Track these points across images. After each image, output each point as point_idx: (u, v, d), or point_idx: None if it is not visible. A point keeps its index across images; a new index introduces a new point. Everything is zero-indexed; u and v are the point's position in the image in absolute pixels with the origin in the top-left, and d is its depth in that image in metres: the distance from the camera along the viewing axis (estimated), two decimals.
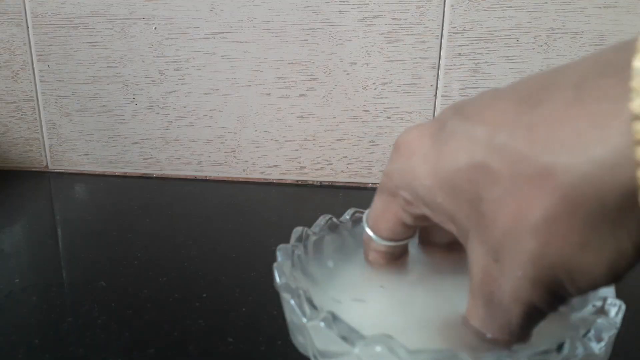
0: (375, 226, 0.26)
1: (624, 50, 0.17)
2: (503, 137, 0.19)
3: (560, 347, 0.21)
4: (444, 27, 0.51)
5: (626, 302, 0.24)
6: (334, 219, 0.31)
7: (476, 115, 0.20)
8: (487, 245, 0.20)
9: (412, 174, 0.22)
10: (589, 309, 0.25)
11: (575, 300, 0.27)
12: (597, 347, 0.21)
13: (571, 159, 0.17)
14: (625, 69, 0.16)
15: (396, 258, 0.27)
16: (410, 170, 0.22)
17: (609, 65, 0.17)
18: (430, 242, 0.28)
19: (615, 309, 0.23)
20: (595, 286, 0.19)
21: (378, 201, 0.26)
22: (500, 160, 0.19)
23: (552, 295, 0.20)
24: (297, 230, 0.29)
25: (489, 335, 0.22)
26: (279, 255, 0.27)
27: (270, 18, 0.51)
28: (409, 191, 0.23)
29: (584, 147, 0.17)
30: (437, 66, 0.52)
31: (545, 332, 0.25)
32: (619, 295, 0.25)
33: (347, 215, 0.32)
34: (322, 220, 0.31)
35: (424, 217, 0.23)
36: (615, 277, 0.18)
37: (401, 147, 0.23)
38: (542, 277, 0.19)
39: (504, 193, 0.19)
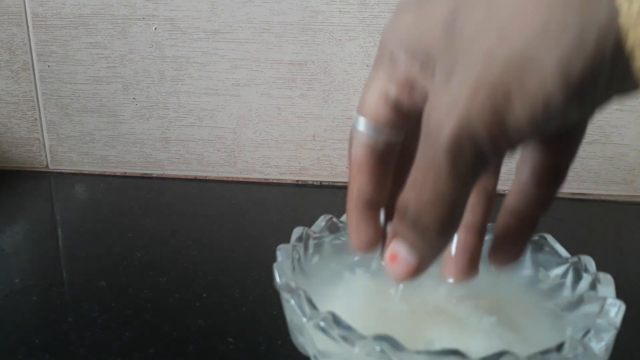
0: (360, 104, 0.24)
1: None
2: None
3: (560, 347, 0.21)
4: None
5: (626, 303, 0.24)
6: (334, 219, 0.31)
7: None
8: (447, 67, 0.19)
9: (400, 21, 0.22)
10: (588, 309, 0.25)
11: (574, 300, 0.27)
12: (597, 348, 0.21)
13: None
14: None
15: (380, 158, 0.24)
16: (400, 19, 0.22)
17: None
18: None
19: (615, 310, 0.23)
20: (545, 101, 0.17)
21: (368, 79, 0.25)
22: None
23: (493, 112, 0.17)
24: (297, 230, 0.29)
25: (413, 207, 0.20)
26: (279, 255, 0.27)
27: (270, 18, 0.51)
28: (393, 40, 0.22)
29: None
30: None
31: (546, 333, 0.25)
32: (619, 295, 0.25)
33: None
34: (322, 220, 0.31)
35: (405, 85, 0.22)
36: (567, 81, 0.16)
37: (398, 6, 0.23)
38: (488, 79, 0.17)
39: (479, 5, 0.18)
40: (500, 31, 0.17)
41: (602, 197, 0.54)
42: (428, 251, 0.21)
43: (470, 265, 0.25)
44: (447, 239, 0.21)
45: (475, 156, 0.18)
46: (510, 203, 0.24)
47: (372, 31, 0.51)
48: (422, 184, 0.20)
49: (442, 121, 0.18)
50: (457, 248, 0.25)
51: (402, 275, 0.22)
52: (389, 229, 0.25)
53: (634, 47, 0.15)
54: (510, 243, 0.25)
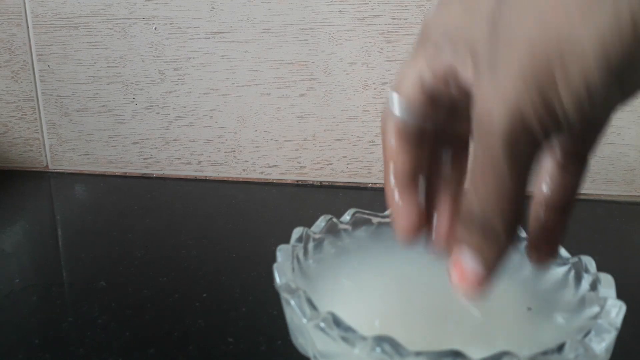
0: (395, 85, 0.24)
1: None
2: None
3: (560, 348, 0.21)
4: None
5: (626, 303, 0.24)
6: (334, 219, 0.31)
7: None
8: (488, 58, 0.19)
9: (446, 10, 0.22)
10: (589, 309, 0.25)
11: (574, 301, 0.27)
12: (598, 348, 0.21)
13: None
14: None
15: (411, 138, 0.24)
16: (445, 8, 0.22)
17: None
18: (444, 138, 0.26)
19: (616, 310, 0.23)
20: (587, 82, 0.17)
21: (407, 59, 0.24)
22: None
23: (542, 99, 0.17)
24: (298, 231, 0.29)
25: (477, 209, 0.20)
26: (279, 256, 0.27)
27: (270, 18, 0.51)
28: (437, 29, 0.22)
29: None
30: None
31: (546, 333, 0.25)
32: (619, 295, 0.25)
33: (347, 216, 0.32)
34: (322, 220, 0.31)
35: (443, 76, 0.22)
36: (608, 62, 0.16)
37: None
38: (533, 66, 0.17)
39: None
40: (541, 17, 0.17)
41: (602, 197, 0.54)
42: (496, 256, 0.21)
43: (554, 244, 0.25)
44: (513, 240, 0.21)
45: (530, 144, 0.19)
46: (538, 195, 0.24)
47: (372, 31, 0.51)
48: (483, 184, 0.20)
49: (494, 113, 0.18)
50: (544, 229, 0.24)
51: (472, 289, 0.21)
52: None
53: None
54: (546, 236, 0.25)
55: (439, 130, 0.25)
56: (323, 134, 0.55)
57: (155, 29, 0.53)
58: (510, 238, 0.21)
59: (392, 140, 0.25)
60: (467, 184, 0.21)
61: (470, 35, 0.20)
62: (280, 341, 0.31)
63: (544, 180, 0.24)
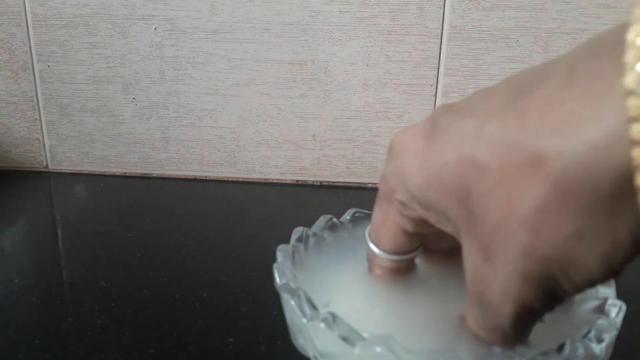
0: (377, 239, 0.25)
1: (618, 30, 0.16)
2: (492, 128, 0.18)
3: (560, 348, 0.21)
4: (444, 27, 0.51)
5: (627, 303, 0.24)
6: (335, 219, 0.31)
7: (467, 110, 0.20)
8: (477, 243, 0.19)
9: (404, 172, 0.22)
10: (589, 309, 0.25)
11: (575, 300, 0.27)
12: (598, 348, 0.21)
13: (563, 142, 0.16)
14: (618, 46, 0.15)
15: (402, 274, 0.26)
16: (403, 169, 0.22)
17: (602, 46, 0.16)
18: (431, 249, 0.28)
19: (616, 310, 0.23)
20: (591, 281, 0.17)
21: (377, 211, 0.25)
22: (488, 151, 0.18)
23: (545, 292, 0.18)
24: (298, 230, 0.29)
25: (483, 336, 0.21)
26: (279, 256, 0.27)
27: (270, 18, 0.51)
28: (403, 191, 0.22)
29: (576, 128, 0.16)
30: (437, 66, 0.52)
31: (545, 333, 0.25)
32: (619, 295, 0.25)
33: (347, 216, 0.32)
34: (322, 220, 0.31)
35: (422, 222, 0.23)
36: (611, 271, 0.17)
37: (394, 147, 0.23)
38: (533, 272, 0.18)
39: (493, 185, 0.18)
40: (531, 229, 0.17)
41: None
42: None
43: None
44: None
45: (535, 318, 0.20)
46: None
47: (372, 31, 0.51)
48: (484, 324, 0.21)
49: (501, 305, 0.19)
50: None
51: None
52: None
53: None
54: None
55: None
56: (323, 134, 0.55)
57: (155, 29, 0.53)
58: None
59: (382, 274, 0.26)
60: (474, 326, 0.22)
61: (439, 206, 0.21)
62: (280, 341, 0.31)
63: None
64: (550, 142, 0.16)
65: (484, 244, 0.19)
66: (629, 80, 0.14)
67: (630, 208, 0.16)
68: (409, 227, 0.23)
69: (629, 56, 0.15)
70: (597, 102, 0.15)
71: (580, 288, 0.18)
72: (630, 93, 0.14)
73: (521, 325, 0.20)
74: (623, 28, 0.16)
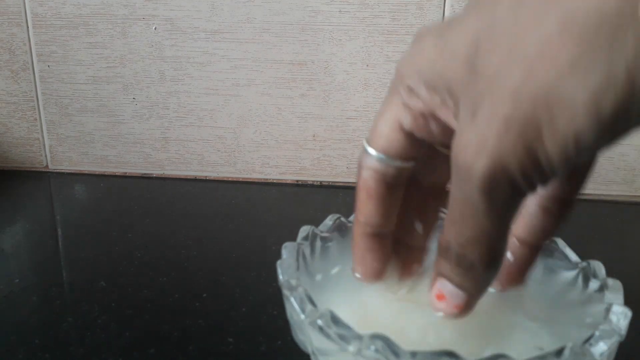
0: (372, 136, 0.24)
1: None
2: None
3: (560, 352, 0.21)
4: None
5: (627, 303, 0.24)
6: (342, 219, 0.31)
7: None
8: (470, 104, 0.18)
9: (419, 52, 0.21)
10: (594, 314, 0.25)
11: (576, 302, 0.27)
12: (598, 353, 0.21)
13: None
14: None
15: (389, 188, 0.24)
16: (420, 49, 0.21)
17: None
18: (418, 181, 0.26)
19: (621, 316, 0.23)
20: (575, 133, 0.16)
21: (380, 108, 0.24)
22: (504, 10, 0.18)
23: (525, 149, 0.17)
24: (305, 229, 0.29)
25: (456, 248, 0.20)
26: (284, 253, 0.27)
27: (270, 18, 0.51)
28: (412, 74, 0.22)
29: None
30: None
31: (547, 336, 0.25)
32: (626, 302, 0.24)
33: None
34: (330, 219, 0.31)
35: (421, 118, 0.22)
36: (599, 119, 0.16)
37: (417, 34, 0.22)
38: (517, 115, 0.17)
39: (501, 35, 0.17)
40: (527, 67, 0.17)
41: (602, 197, 0.54)
42: (475, 288, 0.21)
43: (520, 276, 0.25)
44: (494, 273, 0.21)
45: (510, 191, 0.18)
46: (518, 233, 0.25)
47: (372, 31, 0.51)
48: (461, 223, 0.20)
49: (473, 160, 0.18)
50: (514, 262, 0.25)
51: (453, 314, 0.22)
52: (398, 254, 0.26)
53: None
54: (516, 268, 0.25)
55: (413, 181, 0.25)
56: (323, 134, 0.55)
57: (155, 29, 0.53)
58: (491, 274, 0.21)
59: (371, 189, 0.24)
60: (446, 219, 0.21)
61: (446, 77, 0.20)
62: (280, 341, 0.31)
63: (525, 221, 0.24)
64: None
65: (475, 102, 0.18)
66: None
67: (632, 37, 0.15)
68: (407, 121, 0.23)
69: None
70: None
71: (564, 150, 0.17)
72: None
73: (493, 199, 0.18)
74: None
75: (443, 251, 0.21)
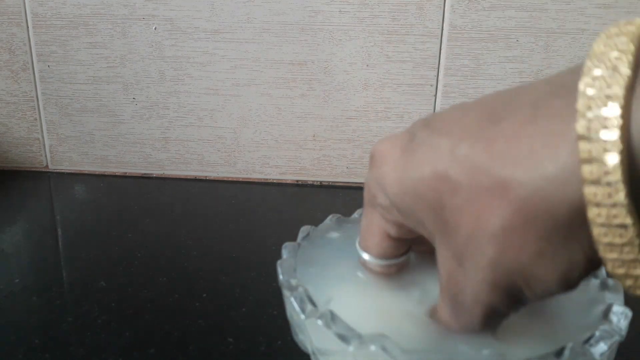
0: (365, 244, 0.27)
1: (575, 73, 0.18)
2: (464, 149, 0.20)
3: (560, 352, 0.21)
4: (444, 27, 0.51)
5: (625, 304, 0.24)
6: (342, 218, 0.31)
7: (443, 128, 0.21)
8: (452, 251, 0.21)
9: (383, 181, 0.23)
10: (594, 314, 0.25)
11: (576, 302, 0.27)
12: (598, 354, 0.21)
13: (525, 174, 0.18)
14: (573, 91, 0.17)
15: (395, 275, 0.28)
16: (382, 177, 0.23)
17: (561, 87, 0.18)
18: (419, 250, 0.29)
19: (621, 317, 0.23)
20: (550, 293, 0.20)
21: (363, 218, 0.27)
22: (460, 170, 0.20)
23: (511, 298, 0.21)
24: (305, 229, 0.29)
25: (453, 329, 0.23)
26: (284, 253, 0.27)
27: (270, 18, 0.51)
28: (383, 197, 0.24)
29: (536, 164, 0.18)
30: (437, 66, 0.52)
31: (548, 336, 0.25)
32: (627, 302, 0.24)
33: (356, 215, 0.32)
34: (330, 219, 0.31)
35: (404, 226, 0.24)
36: (568, 285, 0.19)
37: (375, 156, 0.24)
38: (500, 282, 0.20)
39: (465, 202, 0.20)
40: (498, 247, 0.19)
41: None
42: (466, 330, 0.23)
43: None
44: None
45: (501, 318, 0.22)
46: None
47: (372, 31, 0.51)
48: (456, 321, 0.23)
49: (472, 306, 0.21)
50: None
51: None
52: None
53: (606, 261, 0.18)
54: None
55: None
56: (323, 134, 0.55)
57: (155, 29, 0.53)
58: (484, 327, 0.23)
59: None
60: (441, 304, 0.23)
61: (416, 215, 0.22)
62: (280, 341, 0.31)
63: None
64: (514, 172, 0.18)
65: (457, 252, 0.21)
66: (580, 126, 0.17)
67: (584, 235, 0.18)
68: (393, 231, 0.25)
69: (580, 104, 0.17)
70: (554, 142, 0.17)
71: (540, 296, 0.20)
72: (581, 137, 0.16)
73: (489, 322, 0.22)
74: (578, 72, 0.18)
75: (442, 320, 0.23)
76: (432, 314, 0.24)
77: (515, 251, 0.19)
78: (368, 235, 0.26)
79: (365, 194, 0.26)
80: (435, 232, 0.22)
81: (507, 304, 0.21)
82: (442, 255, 0.22)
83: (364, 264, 0.27)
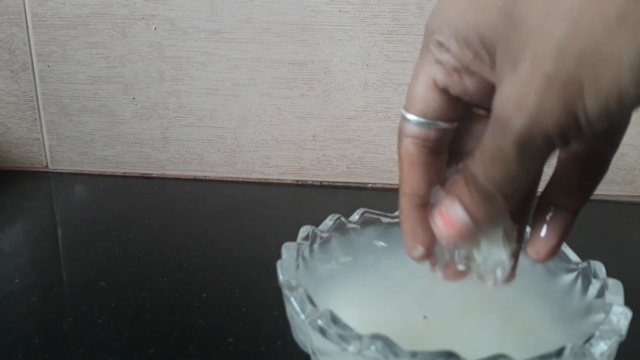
0: (408, 99, 0.24)
1: None
2: None
3: (560, 352, 0.21)
4: None
5: (626, 303, 0.24)
6: (342, 219, 0.31)
7: None
8: (510, 56, 0.18)
9: (448, 5, 0.21)
10: (595, 315, 0.25)
11: (576, 302, 0.27)
12: (598, 353, 0.21)
13: None
14: None
15: (432, 153, 0.24)
16: (447, 2, 0.21)
17: None
18: (455, 150, 0.25)
19: (621, 317, 0.23)
20: (619, 91, 0.16)
21: (414, 68, 0.24)
22: None
23: (564, 108, 0.17)
24: (305, 229, 0.29)
25: (482, 179, 0.20)
26: (284, 253, 0.27)
27: (270, 18, 0.51)
28: (443, 28, 0.21)
29: None
30: None
31: (548, 336, 0.25)
32: (626, 303, 0.24)
33: (356, 215, 0.32)
34: (330, 219, 0.31)
35: (455, 72, 0.22)
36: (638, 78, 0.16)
37: None
38: (560, 72, 0.17)
39: None
40: (571, 21, 0.16)
41: (602, 197, 0.54)
42: (483, 218, 0.21)
43: (558, 244, 0.24)
44: (506, 210, 0.21)
45: (544, 147, 0.18)
46: (550, 193, 0.24)
47: (372, 31, 0.51)
48: (491, 164, 0.20)
49: (512, 116, 0.18)
50: (549, 229, 0.24)
51: (448, 234, 0.22)
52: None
53: None
54: (550, 235, 0.24)
55: (452, 146, 0.24)
56: (323, 134, 0.55)
57: (155, 28, 0.53)
58: (507, 208, 0.21)
59: (415, 157, 0.24)
60: (476, 154, 0.20)
61: (479, 29, 0.20)
62: (280, 341, 0.31)
63: (558, 180, 0.24)
64: None
65: (515, 54, 0.18)
66: None
67: None
68: (441, 78, 0.22)
69: None
70: None
71: (605, 110, 0.17)
72: None
73: (526, 153, 0.19)
74: None
75: (468, 177, 0.21)
76: (462, 166, 0.22)
77: (591, 21, 0.16)
78: (413, 86, 0.24)
79: (424, 36, 0.23)
80: (498, 43, 0.19)
81: (558, 117, 0.17)
82: (499, 72, 0.19)
83: (401, 129, 0.24)
